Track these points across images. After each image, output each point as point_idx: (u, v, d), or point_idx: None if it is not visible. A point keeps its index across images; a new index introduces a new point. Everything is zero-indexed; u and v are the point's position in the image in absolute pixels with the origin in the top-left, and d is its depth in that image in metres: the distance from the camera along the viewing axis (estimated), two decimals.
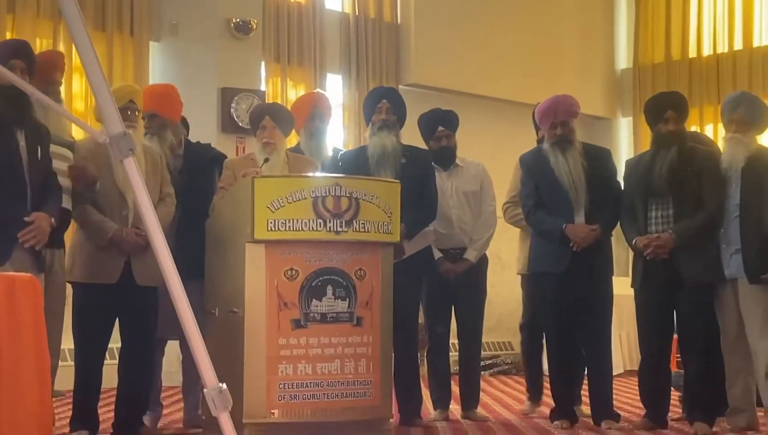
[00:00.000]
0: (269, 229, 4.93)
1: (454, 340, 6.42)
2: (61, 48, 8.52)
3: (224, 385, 2.15)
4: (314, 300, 5.02)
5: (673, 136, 5.69)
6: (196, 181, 5.79)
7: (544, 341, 6.75)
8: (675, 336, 5.89)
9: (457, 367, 6.47)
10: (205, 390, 2.17)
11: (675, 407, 6.23)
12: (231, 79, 9.41)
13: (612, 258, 6.02)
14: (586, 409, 6.12)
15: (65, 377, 5.48)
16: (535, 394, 6.67)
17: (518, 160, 6.60)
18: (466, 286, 6.27)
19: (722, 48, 12.32)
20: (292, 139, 6.39)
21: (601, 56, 13.05)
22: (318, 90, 8.78)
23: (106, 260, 5.28)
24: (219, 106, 9.25)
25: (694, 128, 10.99)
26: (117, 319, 5.43)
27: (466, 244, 6.29)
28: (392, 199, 5.24)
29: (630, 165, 5.96)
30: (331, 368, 5.03)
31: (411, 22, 11.07)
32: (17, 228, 4.70)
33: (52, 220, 4.83)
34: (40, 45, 8.32)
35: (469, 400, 6.32)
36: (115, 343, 5.48)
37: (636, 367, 6.11)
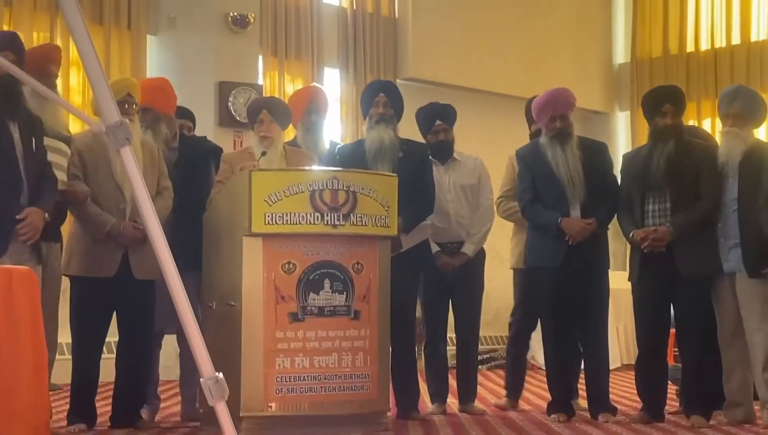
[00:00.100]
0: (266, 222, 4.94)
1: (451, 333, 6.43)
2: (59, 41, 8.51)
3: (220, 375, 2.15)
4: (312, 293, 5.03)
5: (671, 130, 5.69)
6: (191, 174, 5.79)
7: (530, 341, 6.79)
8: (672, 330, 5.90)
9: (455, 361, 6.48)
10: (201, 379, 2.17)
11: (672, 401, 6.24)
12: (228, 73, 9.41)
13: (608, 252, 6.02)
14: (583, 402, 6.13)
15: (63, 371, 5.49)
16: (513, 391, 6.64)
17: (510, 155, 6.64)
18: (464, 280, 6.28)
19: (720, 42, 12.32)
20: (289, 133, 6.38)
21: (599, 50, 13.06)
22: (315, 84, 8.77)
23: (104, 254, 5.29)
24: (216, 100, 9.25)
25: (691, 122, 11.00)
26: (114, 313, 5.43)
27: (463, 238, 6.29)
28: (390, 193, 5.25)
29: (627, 159, 5.96)
30: (329, 361, 5.04)
31: (408, 17, 11.06)
32: (13, 221, 4.70)
33: (46, 214, 4.83)
34: (37, 38, 8.32)
35: (467, 393, 6.32)
36: (112, 336, 5.49)
37: (633, 361, 6.12)
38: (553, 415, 5.80)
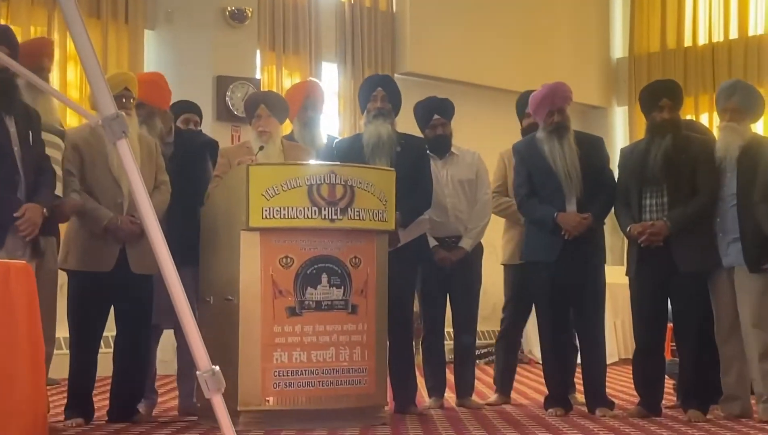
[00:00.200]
0: (264, 216, 4.94)
1: (449, 328, 6.43)
2: (56, 35, 8.51)
3: (217, 367, 2.16)
4: (309, 288, 5.04)
5: (668, 124, 5.68)
6: (186, 168, 5.78)
7: (522, 337, 6.79)
8: (670, 324, 5.90)
9: (452, 356, 6.48)
10: (198, 372, 2.17)
11: (669, 395, 6.25)
12: (226, 68, 9.40)
13: (604, 246, 6.03)
14: (580, 397, 6.13)
15: (60, 365, 5.49)
16: (503, 388, 6.63)
17: (501, 151, 6.66)
18: (461, 275, 6.28)
19: (718, 37, 12.32)
20: (286, 128, 6.38)
21: (597, 45, 13.05)
22: (311, 79, 8.77)
23: (101, 248, 5.28)
24: (214, 95, 9.24)
25: (689, 117, 11.00)
26: (112, 307, 5.43)
27: (461, 232, 6.29)
28: (387, 187, 5.25)
29: (625, 153, 5.96)
30: (326, 356, 5.05)
31: (406, 11, 11.06)
32: (10, 216, 4.69)
33: (44, 209, 4.82)
34: (34, 32, 8.31)
35: (464, 388, 6.33)
36: (110, 331, 5.49)
37: (631, 356, 6.12)
38: (550, 410, 5.80)
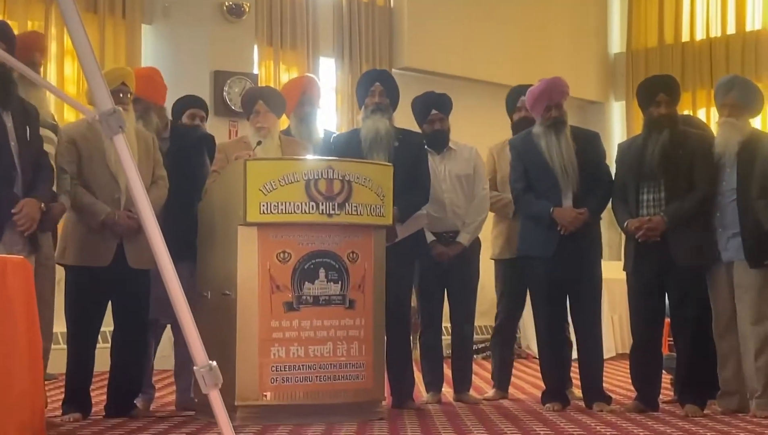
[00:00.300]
0: (261, 211, 4.94)
1: (446, 323, 6.44)
2: (53, 30, 8.51)
3: (214, 363, 2.16)
4: (306, 283, 5.04)
5: (665, 120, 5.68)
6: (183, 163, 5.78)
7: (517, 332, 6.78)
8: (667, 319, 5.91)
9: (450, 351, 6.49)
10: (195, 367, 2.17)
11: (666, 390, 6.25)
12: (224, 63, 9.39)
13: (601, 241, 6.03)
14: (577, 391, 6.14)
15: (58, 360, 5.49)
16: (501, 383, 6.64)
17: (489, 146, 6.66)
18: (459, 270, 6.28)
19: (715, 32, 12.32)
20: (282, 123, 6.38)
21: (594, 40, 13.05)
22: (307, 74, 8.76)
23: (99, 243, 5.28)
24: (211, 90, 9.23)
25: (686, 112, 11.01)
26: (109, 302, 5.44)
27: (458, 227, 6.29)
28: (385, 182, 5.25)
29: (622, 148, 5.96)
30: (324, 351, 5.05)
31: (404, 6, 11.05)
32: (7, 212, 4.68)
33: (42, 205, 4.82)
34: (31, 27, 8.30)
35: (462, 383, 6.33)
36: (107, 326, 5.49)
37: (628, 351, 6.13)
38: (547, 405, 5.81)
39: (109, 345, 5.50)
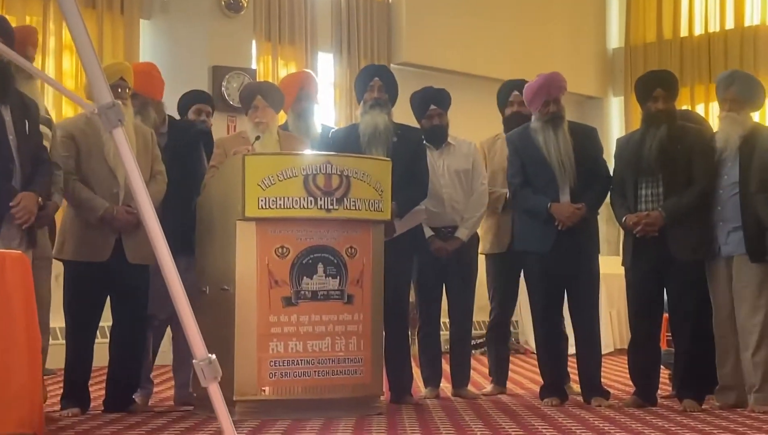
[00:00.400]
0: (260, 206, 4.94)
1: (444, 318, 6.43)
2: (51, 25, 8.50)
3: (213, 356, 2.16)
4: (305, 278, 5.04)
5: (662, 115, 5.68)
6: (180, 158, 5.78)
7: (514, 329, 6.77)
8: (665, 314, 5.91)
9: (448, 346, 6.49)
10: (194, 361, 2.18)
11: (665, 385, 6.26)
12: (222, 58, 9.39)
13: (598, 236, 6.03)
14: (576, 386, 6.14)
15: (56, 356, 5.49)
16: (499, 378, 6.64)
17: (481, 141, 6.65)
18: (457, 265, 6.28)
19: (713, 27, 12.33)
20: (280, 118, 6.37)
21: (593, 36, 13.05)
22: (305, 69, 8.76)
23: (97, 238, 5.28)
24: (210, 85, 9.23)
25: (685, 107, 11.00)
26: (108, 298, 5.43)
27: (457, 222, 6.28)
28: (383, 177, 5.25)
29: (620, 143, 5.96)
30: (322, 346, 5.05)
31: (402, 1, 11.06)
32: (5, 205, 4.68)
33: (40, 198, 4.81)
34: (30, 22, 8.29)
35: (460, 378, 6.33)
36: (106, 321, 5.49)
37: (627, 346, 6.13)
38: (545, 400, 5.81)
39: (107, 340, 5.49)
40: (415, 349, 6.55)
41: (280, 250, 5.01)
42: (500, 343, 6.71)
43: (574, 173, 5.79)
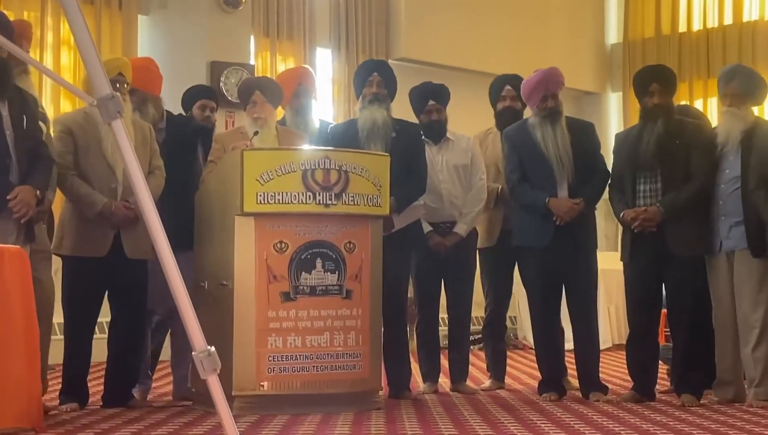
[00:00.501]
0: (258, 201, 4.94)
1: (443, 313, 6.43)
2: (49, 20, 8.49)
3: (212, 348, 2.16)
4: (303, 273, 5.04)
5: (660, 110, 5.67)
6: (178, 154, 5.77)
7: (511, 324, 6.77)
8: (664, 310, 5.91)
9: (447, 341, 6.49)
10: (193, 353, 2.17)
11: (663, 380, 6.26)
12: (220, 53, 9.38)
13: (596, 232, 6.04)
14: (574, 381, 6.14)
15: (55, 351, 5.49)
16: (497, 373, 6.64)
17: (474, 135, 6.63)
18: (456, 260, 6.28)
19: (712, 22, 12.31)
20: (278, 114, 6.37)
21: (591, 31, 13.04)
22: (303, 65, 8.75)
23: (96, 233, 5.28)
24: (208, 80, 9.21)
25: (683, 102, 11.00)
26: (107, 293, 5.43)
27: (456, 218, 6.28)
28: (382, 173, 5.25)
29: (619, 139, 5.96)
30: (321, 341, 5.05)
31: None
32: (2, 200, 4.67)
33: (38, 192, 4.80)
34: (27, 17, 8.27)
35: (459, 373, 6.34)
36: (104, 316, 5.48)
37: (625, 341, 6.14)
38: (544, 394, 5.81)
39: (106, 335, 5.49)
40: (413, 344, 6.55)
41: (278, 245, 5.01)
42: (496, 338, 6.71)
43: (572, 168, 5.79)
